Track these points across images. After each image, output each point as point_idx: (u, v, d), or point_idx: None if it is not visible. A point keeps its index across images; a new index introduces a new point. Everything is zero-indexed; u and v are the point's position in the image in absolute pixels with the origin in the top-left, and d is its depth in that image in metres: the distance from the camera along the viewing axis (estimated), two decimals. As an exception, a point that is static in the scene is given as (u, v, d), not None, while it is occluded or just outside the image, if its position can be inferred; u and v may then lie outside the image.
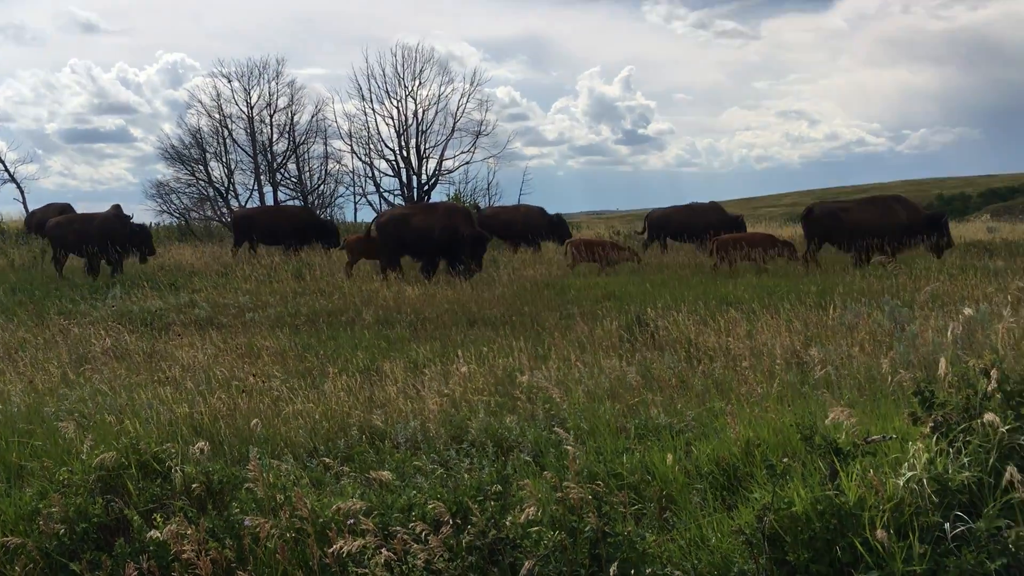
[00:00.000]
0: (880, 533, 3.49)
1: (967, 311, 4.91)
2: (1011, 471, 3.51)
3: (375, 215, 23.48)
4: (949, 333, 4.87)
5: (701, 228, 22.39)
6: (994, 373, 3.99)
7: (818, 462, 4.35)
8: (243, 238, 23.04)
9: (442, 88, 36.16)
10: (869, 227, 17.03)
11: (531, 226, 24.84)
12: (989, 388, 4.02)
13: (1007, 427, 3.78)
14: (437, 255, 17.85)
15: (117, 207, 21.33)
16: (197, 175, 35.36)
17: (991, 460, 3.71)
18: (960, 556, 3.40)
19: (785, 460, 4.60)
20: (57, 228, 19.57)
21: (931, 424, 4.08)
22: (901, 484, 3.76)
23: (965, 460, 3.80)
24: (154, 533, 4.13)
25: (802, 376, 7.36)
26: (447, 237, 17.61)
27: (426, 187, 36.10)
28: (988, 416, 3.78)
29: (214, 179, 35.45)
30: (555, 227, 25.05)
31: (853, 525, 3.70)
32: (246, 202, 35.44)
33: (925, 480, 3.73)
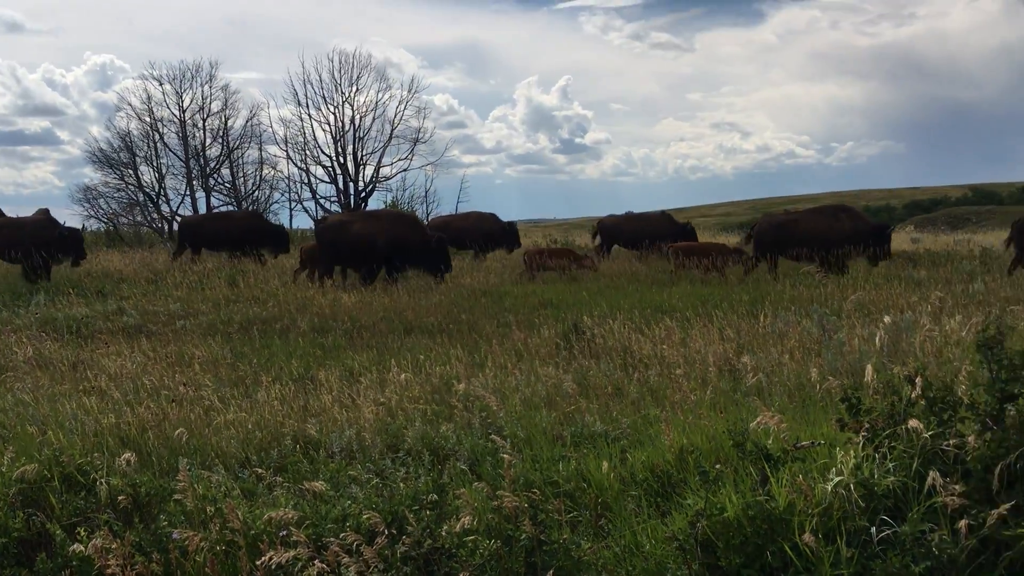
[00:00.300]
0: (808, 537, 3.56)
1: (887, 319, 5.02)
2: (934, 476, 3.61)
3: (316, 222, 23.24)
4: (877, 340, 4.98)
5: (650, 235, 22.91)
6: (918, 380, 4.11)
7: (750, 468, 4.42)
8: (188, 245, 22.56)
9: (380, 95, 36.07)
10: (819, 237, 17.32)
11: (483, 234, 24.86)
12: (913, 395, 4.13)
13: (930, 433, 3.89)
14: (381, 263, 17.67)
15: (45, 211, 20.70)
16: (126, 179, 34.58)
17: (915, 465, 3.81)
18: (886, 560, 3.48)
19: (718, 466, 4.66)
20: None
21: (858, 430, 4.18)
22: (829, 489, 3.84)
23: (890, 465, 3.90)
24: (77, 547, 4.01)
25: (734, 383, 7.48)
26: (395, 245, 17.50)
27: (363, 194, 35.87)
28: (912, 422, 3.88)
29: (144, 184, 34.71)
30: (506, 235, 25.09)
31: (783, 530, 3.76)
32: (177, 207, 34.78)
33: (852, 485, 3.82)
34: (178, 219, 33.29)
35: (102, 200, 33.92)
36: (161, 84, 34.79)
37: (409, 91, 36.57)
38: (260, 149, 36.38)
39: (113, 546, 3.94)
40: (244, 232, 22.52)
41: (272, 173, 36.57)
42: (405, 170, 36.42)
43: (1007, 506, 3.45)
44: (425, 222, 25.29)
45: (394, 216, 19.68)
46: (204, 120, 35.41)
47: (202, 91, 35.26)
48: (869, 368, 4.59)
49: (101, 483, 4.79)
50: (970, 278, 15.02)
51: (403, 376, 8.06)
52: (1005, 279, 14.54)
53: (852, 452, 4.05)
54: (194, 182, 35.09)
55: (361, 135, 35.85)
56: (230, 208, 34.74)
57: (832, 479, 3.87)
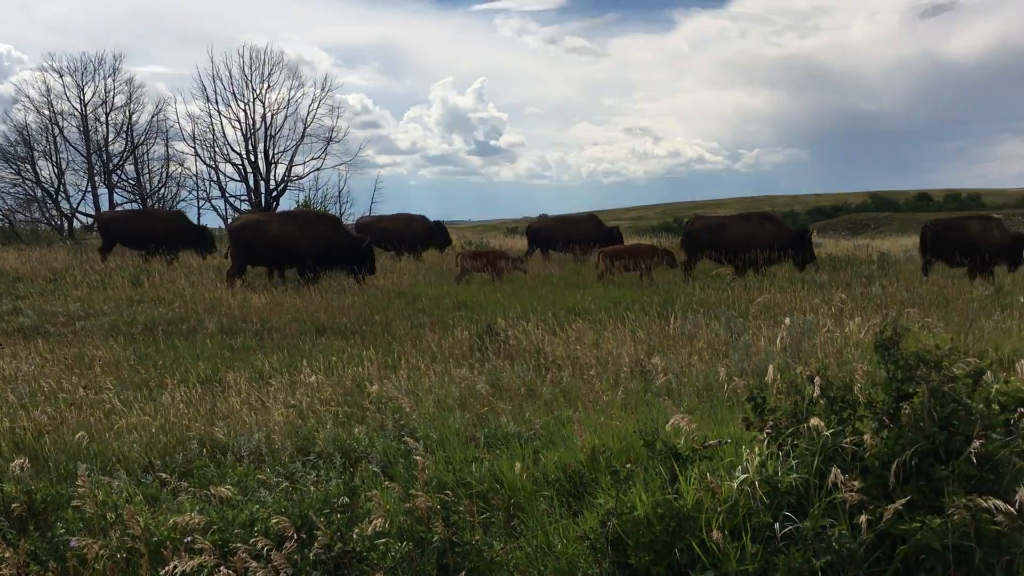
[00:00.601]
0: (716, 534, 3.64)
1: (787, 321, 5.19)
2: (835, 472, 3.73)
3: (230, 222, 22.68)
4: (779, 342, 5.14)
5: (579, 239, 23.16)
6: (818, 380, 4.24)
7: (659, 467, 4.49)
8: (111, 242, 21.78)
9: (292, 92, 35.52)
10: (746, 241, 18.17)
11: (413, 234, 24.64)
12: (814, 394, 4.27)
13: (831, 431, 4.02)
14: (300, 263, 17.33)
15: None
16: (23, 174, 33.22)
17: (816, 463, 3.94)
18: (789, 555, 3.58)
19: (629, 466, 4.73)
20: None
21: (763, 429, 4.30)
22: (735, 487, 3.94)
23: (793, 463, 4.02)
24: (-33, 559, 3.82)
25: (645, 384, 7.60)
26: (317, 246, 17.20)
27: (274, 193, 35.22)
28: (814, 420, 4.01)
29: (43, 179, 33.40)
30: (436, 235, 24.92)
31: (691, 527, 3.84)
32: (78, 204, 33.55)
33: (757, 483, 3.92)
34: (81, 216, 32.14)
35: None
36: (61, 76, 33.60)
37: (323, 89, 36.17)
38: (167, 145, 35.44)
39: (6, 555, 3.78)
40: (167, 231, 21.90)
41: (179, 170, 35.65)
42: (318, 169, 35.95)
43: (903, 501, 3.59)
44: (352, 222, 25.01)
45: (314, 216, 19.31)
46: (107, 114, 34.32)
47: (105, 84, 34.18)
48: (771, 368, 4.73)
49: (-7, 490, 4.58)
50: (869, 282, 15.59)
51: (314, 378, 7.94)
52: (902, 283, 15.14)
53: (757, 450, 4.16)
54: (96, 178, 33.90)
55: (273, 133, 35.25)
56: (135, 206, 33.68)
57: (738, 477, 3.97)
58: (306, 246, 17.19)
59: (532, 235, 24.76)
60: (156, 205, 34.29)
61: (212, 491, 4.74)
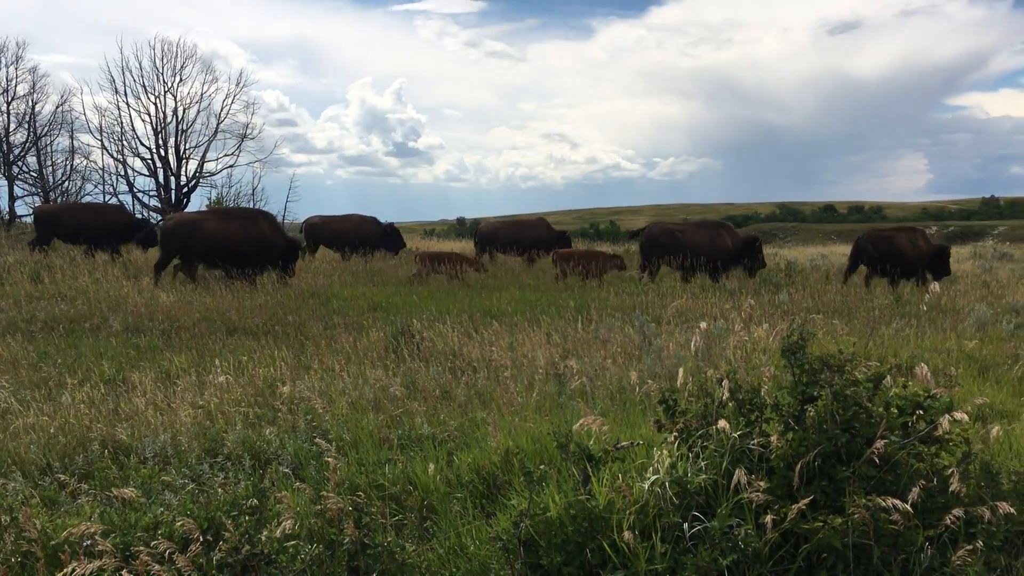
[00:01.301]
0: (627, 535, 3.68)
1: (703, 325, 5.30)
2: (739, 473, 3.82)
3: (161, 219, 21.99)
4: (692, 346, 5.24)
5: (528, 242, 23.35)
6: (726, 383, 4.34)
7: (572, 469, 4.53)
8: (48, 236, 20.89)
9: (205, 87, 34.49)
10: (701, 248, 18.76)
11: (363, 235, 24.29)
12: (724, 397, 4.36)
13: (738, 433, 4.13)
14: (237, 263, 16.92)
15: None
16: (-85, 163, 31.57)
17: (724, 464, 4.03)
18: (697, 554, 3.65)
19: (542, 467, 4.75)
20: None
21: (674, 431, 4.38)
22: (646, 488, 4.00)
23: (702, 464, 4.10)
24: None
25: (560, 387, 7.65)
26: (254, 244, 16.79)
27: (185, 189, 34.28)
28: (722, 423, 4.10)
29: (-64, 169, 31.79)
30: (388, 237, 24.61)
31: (603, 528, 3.88)
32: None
33: (667, 483, 3.99)
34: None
35: None
36: (-41, 62, 31.98)
37: (237, 85, 35.22)
38: (72, 137, 34.00)
39: None
40: (110, 225, 21.15)
41: (84, 163, 34.30)
42: (231, 166, 35.03)
43: (806, 501, 3.70)
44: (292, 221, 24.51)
45: (252, 215, 18.77)
46: (8, 103, 32.78)
47: (6, 72, 32.67)
48: (681, 371, 4.82)
49: None
50: (776, 289, 16.04)
51: (224, 378, 7.76)
52: (807, 291, 15.62)
53: (668, 452, 4.23)
54: (-4, 169, 32.45)
55: (184, 128, 34.22)
56: (38, 199, 32.36)
57: (649, 478, 4.04)
58: (244, 243, 16.78)
59: (482, 237, 24.71)
60: (59, 199, 32.99)
61: (115, 493, 4.58)
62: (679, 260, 18.64)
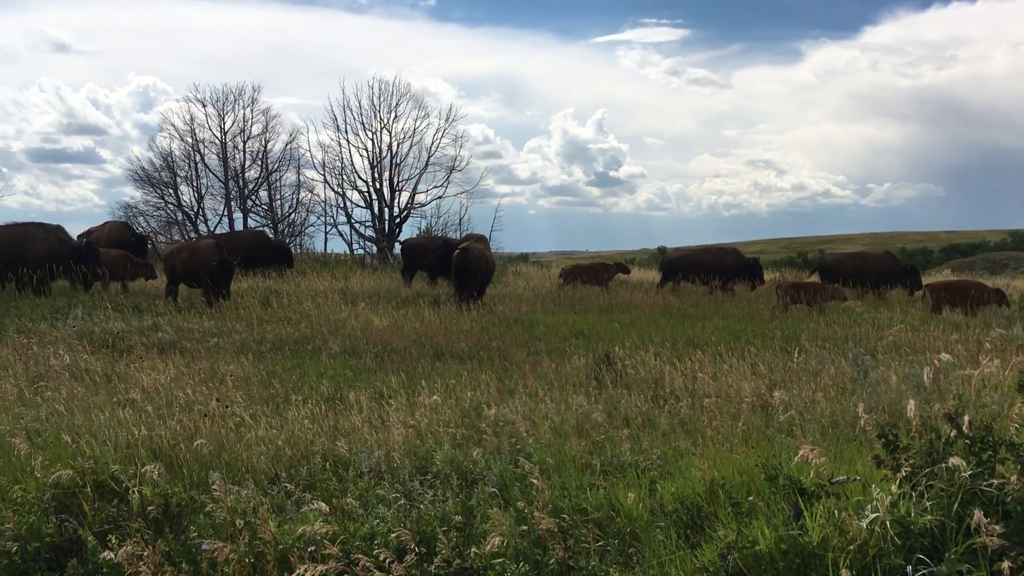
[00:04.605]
0: (845, 573, 3.49)
1: (945, 356, 4.94)
2: (978, 516, 3.53)
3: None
4: (924, 377, 4.90)
5: (717, 270, 23.04)
6: (967, 418, 4.04)
7: (782, 503, 4.36)
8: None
9: (417, 122, 36.29)
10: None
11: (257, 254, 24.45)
12: (952, 433, 4.06)
13: (970, 472, 3.82)
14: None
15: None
16: (166, 198, 35.15)
17: (955, 505, 3.74)
18: (922, 599, 3.41)
19: (750, 499, 4.60)
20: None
21: (896, 468, 4.11)
22: (864, 526, 3.78)
23: (928, 504, 3.83)
24: (108, 554, 4.03)
25: (766, 419, 7.40)
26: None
27: (398, 220, 36.10)
28: (953, 460, 3.81)
29: (183, 203, 35.24)
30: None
31: (816, 565, 3.71)
32: (215, 227, 35.19)
33: (888, 522, 3.76)
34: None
35: (141, 218, 34.50)
36: (204, 106, 35.41)
37: (446, 120, 36.81)
38: (298, 173, 36.78)
39: (144, 554, 3.97)
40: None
41: (309, 196, 36.93)
42: (440, 197, 36.58)
43: (1049, 549, 3.38)
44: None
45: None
46: (244, 143, 35.94)
47: (243, 114, 35.82)
48: (912, 404, 4.49)
49: (134, 492, 4.83)
50: (1008, 323, 14.78)
51: (433, 399, 8.06)
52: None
53: (889, 489, 3.98)
54: (232, 203, 35.55)
55: (398, 162, 36.12)
56: (268, 230, 35.08)
57: (868, 515, 3.81)
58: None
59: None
60: (286, 230, 35.64)
61: (335, 503, 4.86)
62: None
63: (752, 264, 23.45)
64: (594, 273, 22.71)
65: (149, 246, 26.76)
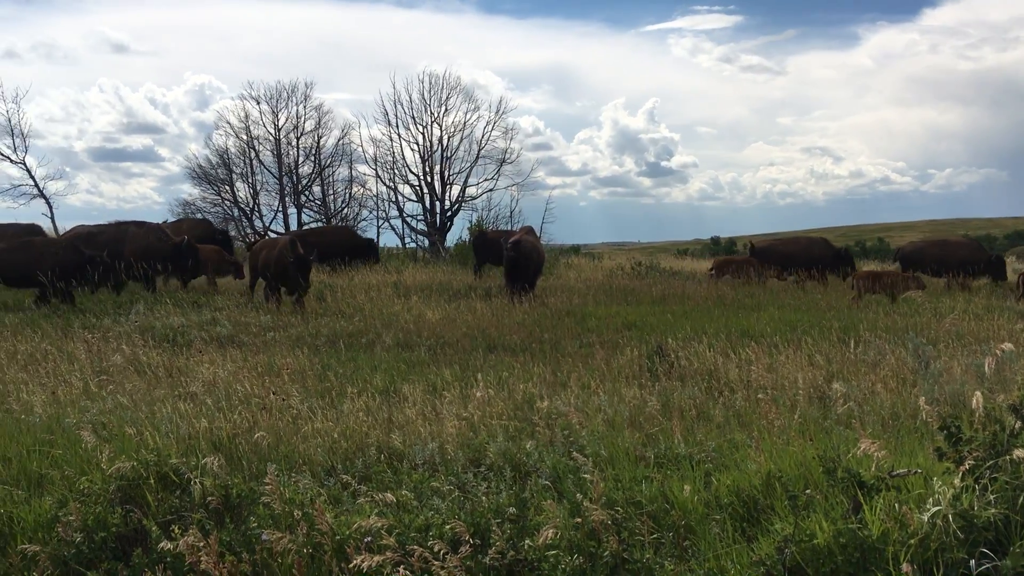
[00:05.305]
0: (906, 567, 3.43)
1: (1008, 346, 4.79)
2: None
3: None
4: (987, 367, 4.76)
5: (805, 260, 22.78)
6: (1024, 410, 3.94)
7: (840, 496, 4.30)
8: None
9: (467, 116, 36.33)
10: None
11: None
12: (1017, 425, 3.97)
13: (1035, 465, 3.73)
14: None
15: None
16: (223, 195, 35.79)
17: (1020, 498, 3.65)
18: (986, 594, 3.34)
19: (807, 492, 4.54)
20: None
21: (958, 460, 4.03)
22: (926, 519, 3.71)
23: (991, 497, 3.74)
24: (171, 544, 4.13)
25: (824, 411, 7.29)
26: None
27: (449, 213, 36.24)
28: (1018, 452, 3.72)
29: (239, 199, 35.84)
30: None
31: (876, 559, 3.65)
32: (270, 223, 35.75)
33: (950, 516, 3.68)
34: (272, 234, 34.16)
35: (199, 214, 35.13)
36: (258, 103, 35.93)
37: (496, 112, 36.80)
38: (350, 167, 37.16)
39: (205, 544, 4.06)
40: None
41: (361, 191, 37.28)
42: (491, 190, 36.61)
43: (1120, 544, 3.28)
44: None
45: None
46: (298, 139, 36.38)
47: (297, 110, 36.26)
48: (978, 395, 4.35)
49: (195, 483, 4.94)
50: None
51: (485, 392, 8.09)
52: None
53: (951, 482, 3.90)
54: (286, 198, 36.05)
55: (448, 155, 36.23)
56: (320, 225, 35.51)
57: (929, 509, 3.74)
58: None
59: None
60: (339, 224, 36.01)
61: (390, 495, 4.92)
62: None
63: (843, 254, 23.10)
64: (744, 267, 22.46)
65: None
